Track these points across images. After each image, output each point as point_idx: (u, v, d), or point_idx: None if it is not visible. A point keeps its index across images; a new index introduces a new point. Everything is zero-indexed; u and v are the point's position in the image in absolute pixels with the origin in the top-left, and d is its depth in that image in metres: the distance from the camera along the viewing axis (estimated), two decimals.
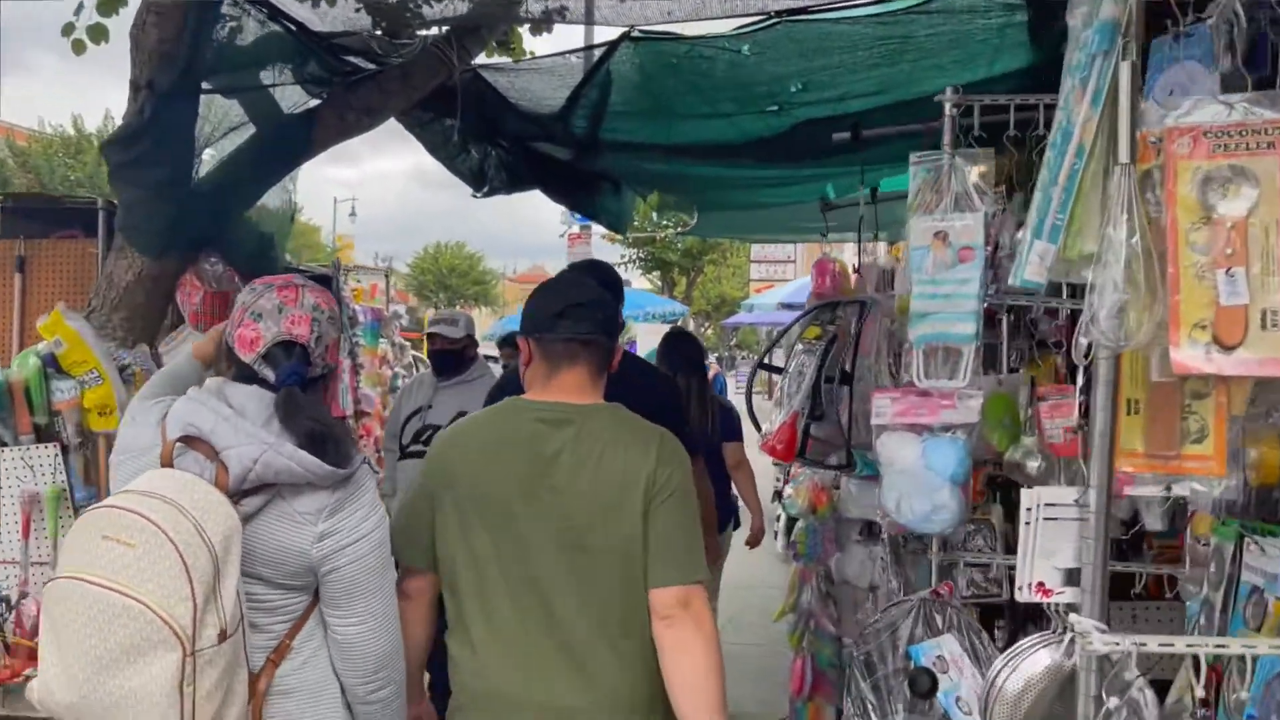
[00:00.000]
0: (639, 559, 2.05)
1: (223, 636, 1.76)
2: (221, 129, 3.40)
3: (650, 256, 29.99)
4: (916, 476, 2.34)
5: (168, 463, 1.89)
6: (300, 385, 1.98)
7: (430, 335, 4.64)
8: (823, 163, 4.85)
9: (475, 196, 4.73)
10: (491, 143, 4.76)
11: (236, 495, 1.86)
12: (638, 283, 29.39)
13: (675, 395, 3.55)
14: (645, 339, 17.56)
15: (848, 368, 2.78)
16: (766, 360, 3.42)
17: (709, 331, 39.71)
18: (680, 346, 4.78)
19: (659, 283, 31.92)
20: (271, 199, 3.63)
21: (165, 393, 2.07)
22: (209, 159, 3.43)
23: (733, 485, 4.97)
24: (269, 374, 1.98)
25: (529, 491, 2.07)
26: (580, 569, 2.06)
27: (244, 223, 3.59)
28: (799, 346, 2.92)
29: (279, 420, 1.91)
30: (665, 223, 25.45)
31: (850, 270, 3.58)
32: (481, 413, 2.34)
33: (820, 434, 2.84)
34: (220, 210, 3.42)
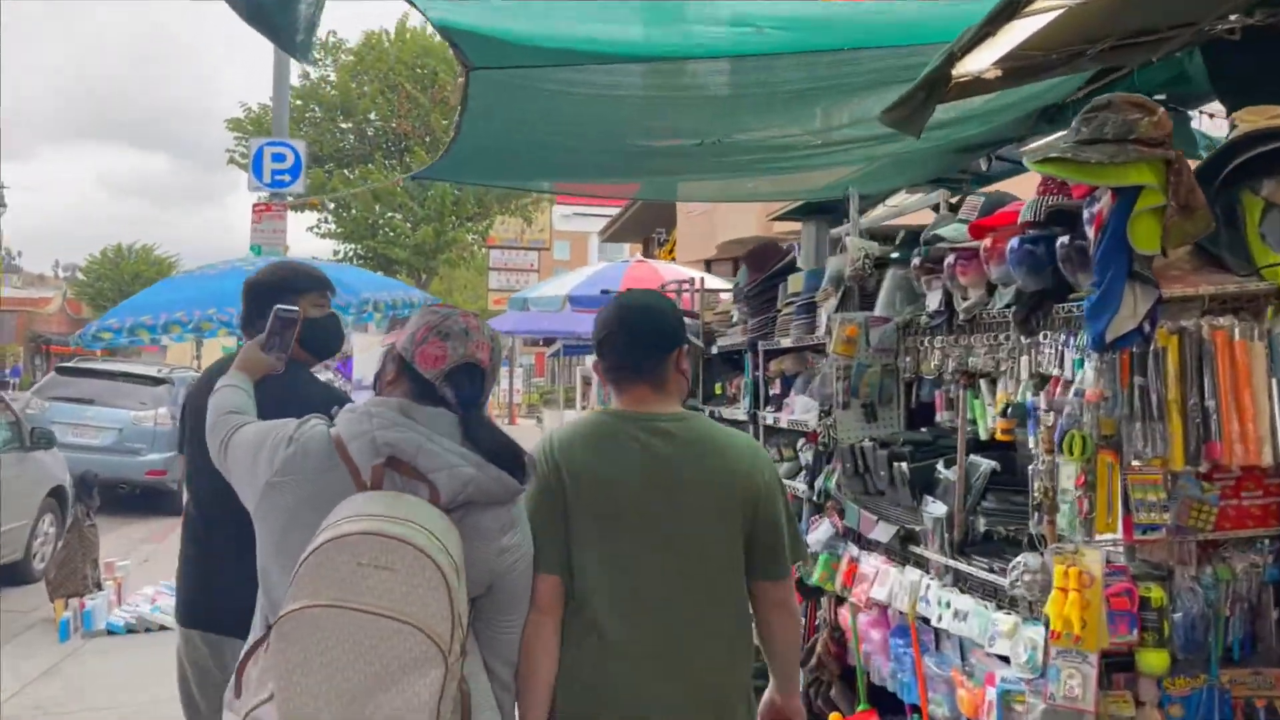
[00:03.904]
0: (739, 555, 2.32)
1: (463, 649, 1.91)
2: None
3: (372, 253, 25.31)
4: None
5: (378, 485, 2.01)
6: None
7: None
8: None
9: None
10: None
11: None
12: None
13: None
14: (365, 357, 10.99)
15: None
16: None
17: None
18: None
19: None
20: None
21: (244, 411, 2.39)
22: None
23: None
24: (449, 393, 2.12)
25: (643, 495, 2.27)
26: (691, 569, 2.27)
27: None
28: None
29: (467, 441, 2.07)
30: (397, 186, 20.92)
31: None
32: (578, 422, 2.47)
33: None
34: None
